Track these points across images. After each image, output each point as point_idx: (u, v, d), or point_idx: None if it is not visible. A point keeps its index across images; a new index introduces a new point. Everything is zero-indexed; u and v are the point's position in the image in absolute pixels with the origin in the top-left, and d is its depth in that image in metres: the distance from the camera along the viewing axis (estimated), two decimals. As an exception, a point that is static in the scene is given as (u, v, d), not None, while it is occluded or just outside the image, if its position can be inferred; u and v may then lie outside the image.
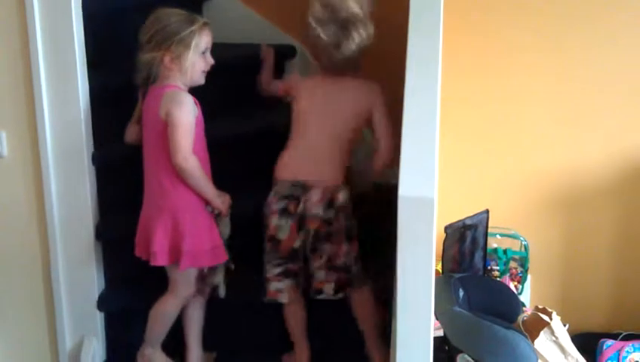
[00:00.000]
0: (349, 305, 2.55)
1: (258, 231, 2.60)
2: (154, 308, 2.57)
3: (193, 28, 2.37)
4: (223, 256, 2.49)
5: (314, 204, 2.45)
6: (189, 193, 2.42)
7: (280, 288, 2.52)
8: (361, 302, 2.55)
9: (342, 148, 2.49)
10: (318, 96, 2.50)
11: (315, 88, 2.52)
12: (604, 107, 2.75)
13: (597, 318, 2.89)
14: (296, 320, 2.58)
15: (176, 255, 2.43)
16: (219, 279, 2.56)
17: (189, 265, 2.45)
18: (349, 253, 2.49)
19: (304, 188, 2.45)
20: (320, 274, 2.50)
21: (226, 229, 2.50)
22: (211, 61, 2.45)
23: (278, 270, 2.51)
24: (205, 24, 2.41)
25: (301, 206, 2.45)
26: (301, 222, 2.46)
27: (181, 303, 2.56)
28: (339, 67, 2.47)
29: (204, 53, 2.42)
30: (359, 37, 2.41)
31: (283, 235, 2.47)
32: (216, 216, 2.47)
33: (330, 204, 2.45)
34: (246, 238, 2.58)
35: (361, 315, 2.56)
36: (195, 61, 2.39)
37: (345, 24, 2.40)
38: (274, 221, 2.47)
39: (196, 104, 2.43)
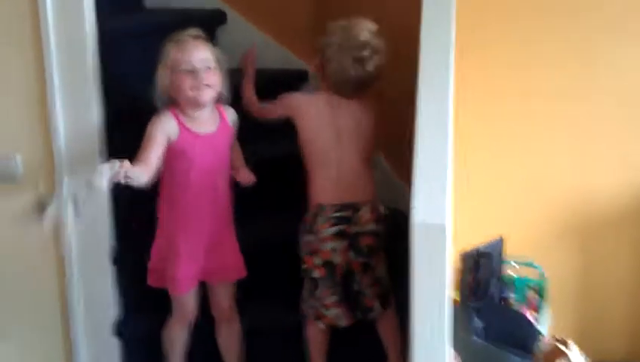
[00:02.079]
0: (361, 333, 2.54)
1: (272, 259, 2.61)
2: (163, 333, 2.58)
3: (169, 46, 2.34)
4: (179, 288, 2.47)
5: (368, 221, 2.47)
6: (171, 217, 2.43)
7: (339, 314, 2.51)
8: (389, 324, 2.55)
9: (368, 163, 2.53)
10: (328, 116, 2.49)
11: (322, 108, 2.50)
12: (621, 132, 2.73)
13: (616, 348, 2.85)
14: (323, 345, 2.57)
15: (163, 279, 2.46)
16: None
17: (172, 292, 2.46)
18: (383, 266, 2.53)
19: (354, 208, 2.46)
20: (370, 291, 2.51)
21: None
22: (204, 78, 2.33)
23: (335, 297, 2.50)
24: (187, 38, 2.34)
25: (355, 226, 2.45)
26: (352, 242, 2.46)
27: (181, 327, 2.55)
28: (348, 92, 2.49)
29: (190, 70, 2.33)
30: (373, 65, 2.45)
31: (337, 259, 2.46)
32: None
33: (378, 218, 2.48)
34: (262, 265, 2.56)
35: (388, 338, 2.55)
36: (175, 79, 2.33)
37: (360, 51, 2.43)
38: (328, 246, 2.45)
39: (186, 132, 2.38)
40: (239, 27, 3.15)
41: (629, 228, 2.79)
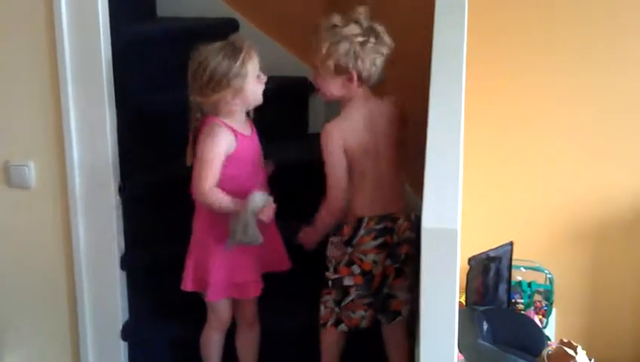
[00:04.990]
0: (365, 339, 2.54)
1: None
2: (200, 340, 2.60)
3: (242, 56, 2.32)
4: (253, 292, 2.49)
5: (406, 230, 2.45)
6: (212, 223, 2.42)
7: (364, 316, 2.48)
8: (398, 332, 2.54)
9: (400, 170, 2.48)
10: (367, 129, 2.41)
11: (360, 123, 2.41)
12: (631, 136, 2.73)
13: (623, 352, 2.86)
14: (339, 350, 2.56)
15: (202, 284, 2.44)
16: None
17: (211, 298, 2.46)
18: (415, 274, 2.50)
19: (393, 218, 2.43)
20: (401, 294, 2.48)
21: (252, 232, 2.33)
22: (264, 77, 2.40)
23: (366, 300, 2.47)
24: (250, 46, 2.36)
25: (395, 236, 2.43)
26: (391, 251, 2.44)
27: (215, 334, 2.58)
28: (371, 82, 2.40)
29: (258, 75, 2.38)
30: (387, 43, 2.38)
31: (377, 269, 2.44)
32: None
33: (412, 226, 2.46)
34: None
35: (396, 346, 2.55)
36: (254, 87, 2.36)
37: (371, 30, 2.36)
38: (370, 258, 2.43)
39: (240, 136, 2.38)
40: (251, 35, 3.15)
41: (636, 232, 2.79)
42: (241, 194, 2.37)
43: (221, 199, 2.34)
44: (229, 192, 2.36)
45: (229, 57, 2.32)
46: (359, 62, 2.34)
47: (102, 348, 2.70)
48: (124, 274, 2.67)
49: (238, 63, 2.31)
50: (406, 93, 2.50)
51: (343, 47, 2.33)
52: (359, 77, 2.36)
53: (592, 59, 2.70)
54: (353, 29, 2.35)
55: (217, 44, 2.35)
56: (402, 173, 2.50)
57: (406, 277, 2.48)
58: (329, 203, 2.42)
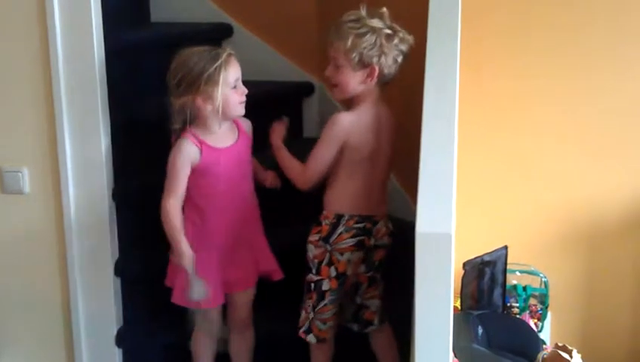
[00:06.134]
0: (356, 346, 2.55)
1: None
2: (190, 346, 2.60)
3: (218, 63, 2.30)
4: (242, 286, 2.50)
5: (383, 235, 2.46)
6: (194, 234, 2.41)
7: (332, 326, 2.49)
8: (386, 339, 2.55)
9: (389, 175, 2.50)
10: (374, 130, 2.39)
11: (370, 122, 2.38)
12: (626, 139, 2.72)
13: (619, 356, 2.85)
14: (329, 358, 2.55)
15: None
16: None
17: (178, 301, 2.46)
18: (383, 281, 2.53)
19: (372, 221, 2.43)
20: (373, 304, 2.50)
21: (198, 291, 2.37)
22: (245, 90, 2.38)
23: (334, 310, 2.47)
24: (230, 55, 2.35)
25: (372, 239, 2.43)
26: (366, 255, 2.44)
27: (205, 337, 2.57)
28: (386, 80, 2.38)
29: (235, 86, 2.35)
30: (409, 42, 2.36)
31: (350, 271, 2.43)
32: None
33: (390, 233, 2.48)
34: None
35: (384, 353, 2.56)
36: (227, 96, 2.33)
37: (394, 28, 2.33)
38: (346, 257, 2.41)
39: (206, 148, 2.37)
40: (245, 40, 3.17)
41: (633, 236, 2.78)
42: (219, 206, 2.40)
43: (173, 218, 2.34)
44: (206, 205, 2.39)
45: (206, 62, 2.31)
46: (382, 58, 2.31)
47: (96, 355, 2.70)
48: (118, 281, 2.67)
49: (212, 69, 2.30)
50: (400, 95, 2.51)
51: (369, 39, 2.29)
52: (379, 73, 2.33)
53: (589, 61, 2.68)
54: (379, 22, 2.31)
55: (199, 48, 2.35)
56: (388, 179, 2.51)
57: (378, 285, 2.50)
58: (300, 177, 2.42)
